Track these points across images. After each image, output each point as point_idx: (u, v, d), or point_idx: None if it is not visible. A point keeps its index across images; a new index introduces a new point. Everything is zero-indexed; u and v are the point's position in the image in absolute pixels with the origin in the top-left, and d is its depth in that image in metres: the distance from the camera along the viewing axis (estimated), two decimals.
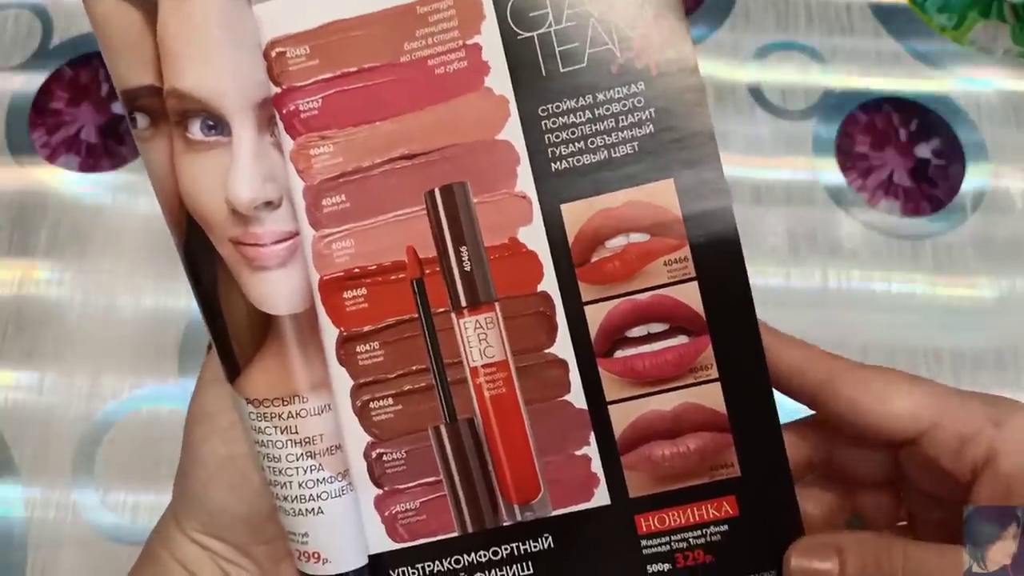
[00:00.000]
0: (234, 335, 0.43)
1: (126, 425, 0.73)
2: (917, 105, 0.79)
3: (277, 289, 0.44)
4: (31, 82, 0.82)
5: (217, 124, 0.42)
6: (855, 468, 0.48)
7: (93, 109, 0.81)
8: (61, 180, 0.79)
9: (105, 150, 0.80)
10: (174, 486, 0.48)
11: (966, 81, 0.80)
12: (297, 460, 0.44)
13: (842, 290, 0.75)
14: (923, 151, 0.78)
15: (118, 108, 0.81)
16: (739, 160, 0.78)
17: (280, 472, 0.44)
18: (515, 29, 0.44)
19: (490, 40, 0.44)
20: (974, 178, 0.77)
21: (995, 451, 0.42)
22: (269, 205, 0.43)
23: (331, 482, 0.44)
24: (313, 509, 0.44)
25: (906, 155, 0.78)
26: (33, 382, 0.75)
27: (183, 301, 0.76)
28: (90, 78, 0.82)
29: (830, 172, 0.78)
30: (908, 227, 0.76)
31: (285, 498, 0.44)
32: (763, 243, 0.76)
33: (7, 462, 0.72)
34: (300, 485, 0.44)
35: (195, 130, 0.42)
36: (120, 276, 0.77)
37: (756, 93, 0.80)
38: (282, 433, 0.43)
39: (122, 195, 0.79)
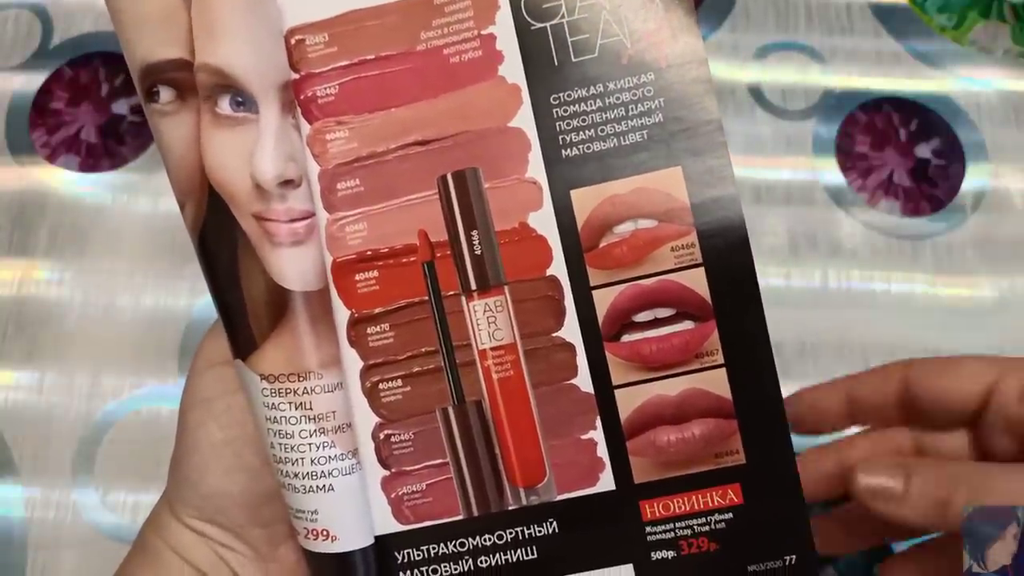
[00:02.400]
0: (251, 311, 0.44)
1: (126, 425, 0.73)
2: (917, 105, 0.79)
3: (297, 265, 0.44)
4: (31, 82, 0.82)
5: (245, 101, 0.43)
6: (940, 450, 0.50)
7: (93, 109, 0.81)
8: (61, 180, 0.79)
9: (105, 150, 0.80)
10: (168, 473, 0.48)
11: (966, 81, 0.80)
12: (310, 436, 0.44)
13: (842, 290, 0.75)
14: (923, 151, 0.78)
15: (118, 108, 0.81)
16: (739, 160, 0.78)
17: (292, 449, 0.44)
18: (528, 20, 0.45)
19: (504, 30, 0.45)
20: (974, 178, 0.77)
21: None
22: (290, 183, 0.44)
23: (342, 459, 0.44)
24: (324, 486, 0.44)
25: (906, 155, 0.78)
26: (33, 382, 0.74)
27: (183, 301, 0.76)
28: (90, 78, 0.82)
29: (830, 172, 0.78)
30: (908, 227, 0.76)
31: (295, 475, 0.44)
32: (763, 243, 0.76)
33: (7, 462, 0.72)
34: (312, 462, 0.44)
35: (224, 105, 0.43)
36: (120, 276, 0.77)
37: (756, 93, 0.80)
38: (296, 409, 0.44)
39: (122, 195, 0.78)
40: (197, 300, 0.76)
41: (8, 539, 0.71)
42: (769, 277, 0.75)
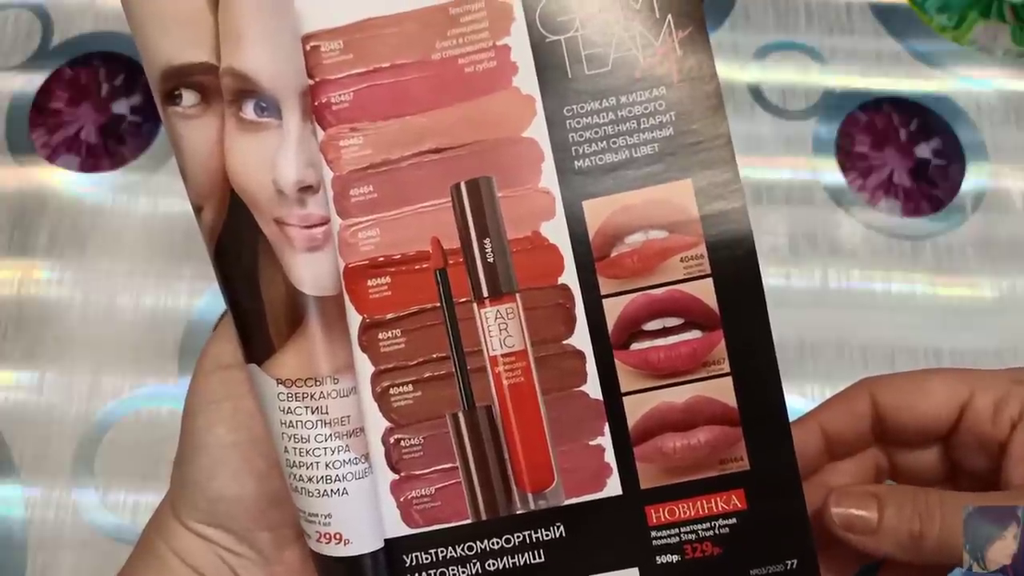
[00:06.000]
0: (271, 315, 0.44)
1: (126, 425, 0.73)
2: (917, 105, 0.79)
3: (314, 270, 0.44)
4: (31, 82, 0.82)
5: (269, 107, 0.43)
6: (911, 466, 0.50)
7: (93, 109, 0.81)
8: (61, 180, 0.79)
9: (105, 150, 0.80)
10: (172, 476, 0.48)
11: (966, 81, 0.80)
12: (325, 441, 0.44)
13: (842, 290, 0.75)
14: (923, 151, 0.79)
15: (118, 108, 0.81)
16: (739, 160, 0.78)
17: (307, 453, 0.44)
18: (543, 32, 0.45)
19: (519, 42, 0.45)
20: (974, 178, 0.78)
21: None
22: (309, 189, 0.44)
23: (355, 463, 0.45)
24: (338, 490, 0.44)
25: (906, 155, 0.78)
26: (33, 382, 0.74)
27: (183, 301, 0.76)
28: (90, 78, 0.82)
29: (830, 172, 0.78)
30: (908, 227, 0.77)
31: (310, 479, 0.44)
32: (763, 243, 0.76)
33: (7, 462, 0.72)
34: (327, 466, 0.44)
35: (248, 111, 0.43)
36: (120, 276, 0.77)
37: (756, 93, 0.80)
38: (312, 413, 0.44)
39: (122, 195, 0.78)
40: (197, 300, 0.76)
41: (8, 539, 0.71)
42: (769, 277, 0.75)
